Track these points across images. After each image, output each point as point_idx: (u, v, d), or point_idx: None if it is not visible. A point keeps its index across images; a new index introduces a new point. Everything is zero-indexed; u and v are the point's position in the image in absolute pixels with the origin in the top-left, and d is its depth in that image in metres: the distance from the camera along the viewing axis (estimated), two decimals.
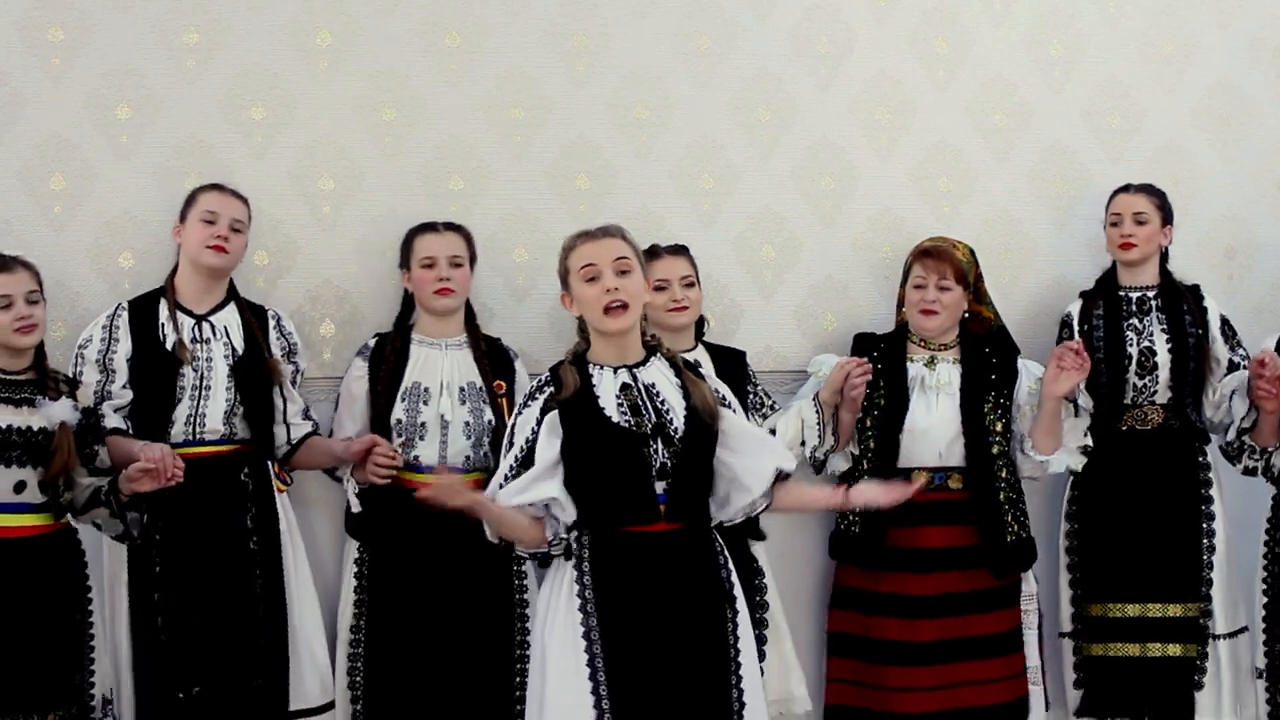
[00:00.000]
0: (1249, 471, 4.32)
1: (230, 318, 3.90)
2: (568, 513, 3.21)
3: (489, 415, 3.94)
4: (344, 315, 4.19)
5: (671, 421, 3.24)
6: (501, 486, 3.22)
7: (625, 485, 3.21)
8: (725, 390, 3.41)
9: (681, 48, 4.42)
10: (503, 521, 3.22)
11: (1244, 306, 4.63)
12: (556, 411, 3.23)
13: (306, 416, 3.98)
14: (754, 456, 3.31)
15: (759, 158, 4.48)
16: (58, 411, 3.50)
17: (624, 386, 3.27)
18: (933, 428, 4.02)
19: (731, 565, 3.35)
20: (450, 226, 4.04)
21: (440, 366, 3.97)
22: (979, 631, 3.98)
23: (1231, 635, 4.32)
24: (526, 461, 3.21)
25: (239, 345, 3.87)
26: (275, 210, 4.12)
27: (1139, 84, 4.79)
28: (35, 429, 3.48)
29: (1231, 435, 4.28)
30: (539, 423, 3.23)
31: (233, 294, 3.95)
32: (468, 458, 3.92)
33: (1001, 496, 4.03)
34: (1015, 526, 4.05)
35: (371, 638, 3.89)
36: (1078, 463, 4.16)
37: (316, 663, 3.88)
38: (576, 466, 3.21)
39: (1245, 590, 4.36)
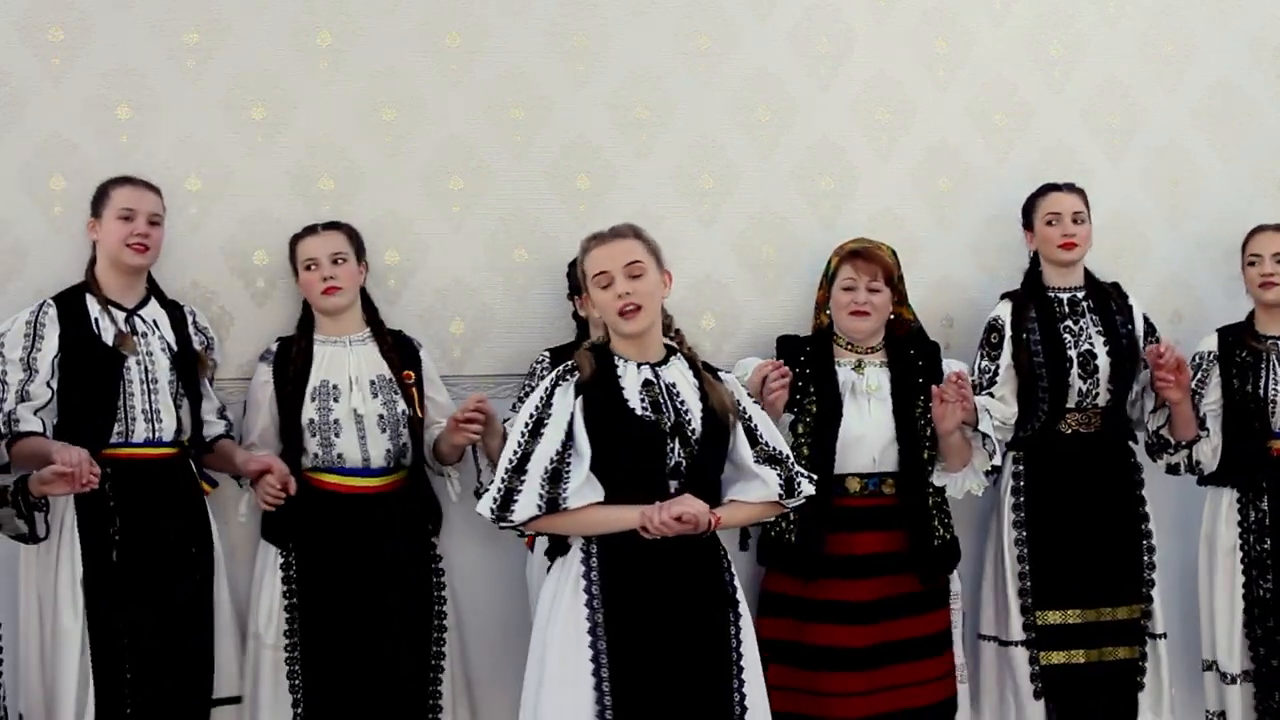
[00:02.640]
0: (1172, 470, 4.36)
1: (157, 312, 3.85)
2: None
3: (402, 406, 3.93)
4: None
5: (690, 421, 3.27)
6: (552, 473, 3.19)
7: (641, 481, 3.23)
8: (746, 402, 3.42)
9: (681, 48, 4.42)
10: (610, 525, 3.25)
11: (1244, 307, 4.62)
12: (583, 398, 3.25)
13: (221, 416, 3.95)
14: (744, 485, 3.34)
15: (759, 158, 4.48)
16: None
17: (646, 383, 3.30)
18: (867, 434, 3.95)
19: (734, 570, 3.36)
20: (329, 225, 3.99)
21: (347, 363, 3.94)
22: (912, 634, 3.95)
23: (1165, 635, 4.33)
24: (569, 445, 3.22)
25: (171, 339, 3.82)
26: (275, 210, 4.12)
27: (1139, 84, 4.79)
28: None
29: (1148, 433, 4.31)
30: (574, 409, 3.24)
31: (153, 287, 3.90)
32: (388, 451, 3.90)
33: (930, 502, 4.01)
34: (941, 530, 4.03)
35: (307, 639, 3.84)
36: (978, 487, 4.11)
37: (230, 658, 3.86)
38: (596, 456, 3.23)
39: (1178, 589, 4.41)
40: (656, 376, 3.32)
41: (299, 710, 3.84)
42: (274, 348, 3.99)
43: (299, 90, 4.15)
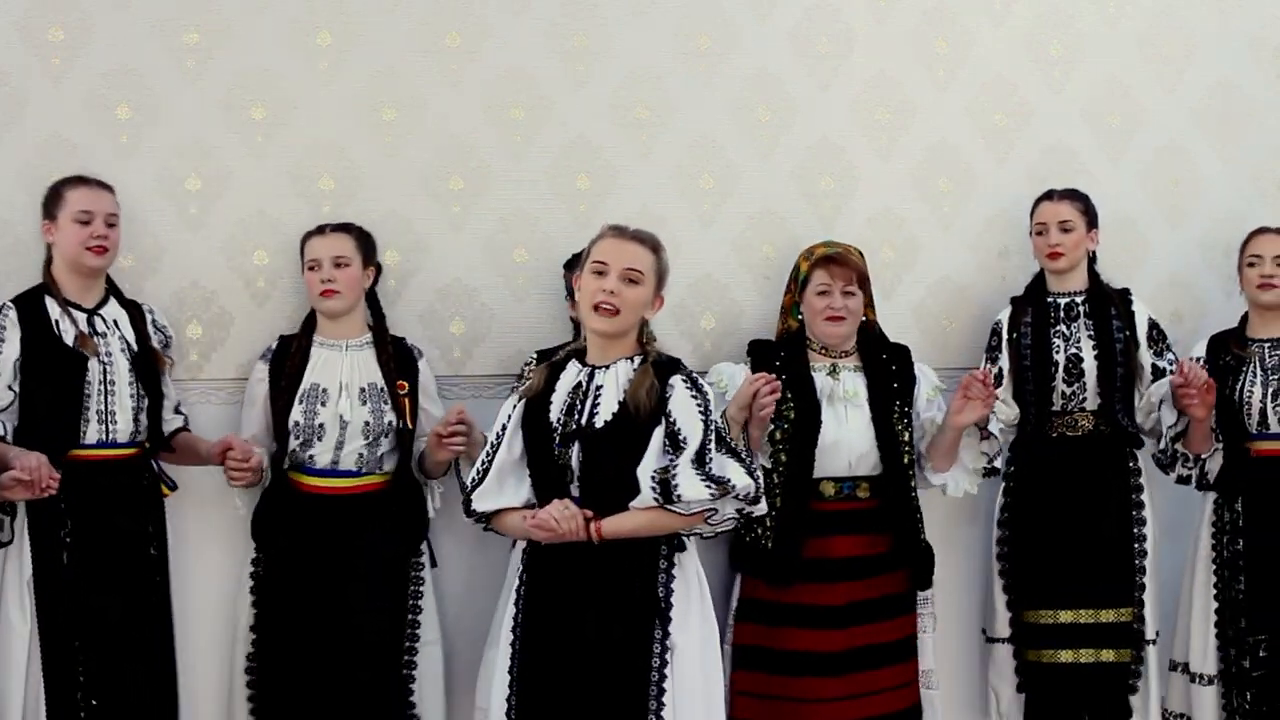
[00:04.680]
0: (1182, 480, 4.34)
1: (117, 312, 3.83)
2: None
3: (390, 416, 3.91)
4: None
5: (594, 424, 3.25)
6: (480, 473, 3.34)
7: (547, 485, 3.28)
8: (677, 406, 3.23)
9: (681, 48, 4.42)
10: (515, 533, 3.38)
11: (1243, 306, 4.63)
12: (524, 403, 3.34)
13: (178, 411, 3.94)
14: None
15: (759, 158, 4.48)
16: None
17: (575, 385, 3.31)
18: (844, 440, 3.93)
19: (679, 579, 3.28)
20: (339, 227, 3.97)
21: (340, 367, 3.92)
22: (883, 639, 3.94)
23: (1156, 640, 4.32)
24: (496, 448, 3.34)
25: (131, 339, 3.81)
26: (276, 210, 4.12)
27: (1139, 84, 4.79)
28: None
29: (1164, 444, 4.29)
30: (512, 414, 3.35)
31: (112, 287, 3.87)
32: (360, 455, 3.88)
33: (913, 505, 4.00)
34: (921, 533, 4.02)
35: (264, 639, 3.84)
36: (974, 484, 4.12)
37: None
38: (528, 461, 3.33)
39: (1172, 591, 4.40)
40: (590, 379, 3.31)
41: (252, 705, 3.85)
42: (274, 346, 3.98)
43: (299, 90, 4.15)
